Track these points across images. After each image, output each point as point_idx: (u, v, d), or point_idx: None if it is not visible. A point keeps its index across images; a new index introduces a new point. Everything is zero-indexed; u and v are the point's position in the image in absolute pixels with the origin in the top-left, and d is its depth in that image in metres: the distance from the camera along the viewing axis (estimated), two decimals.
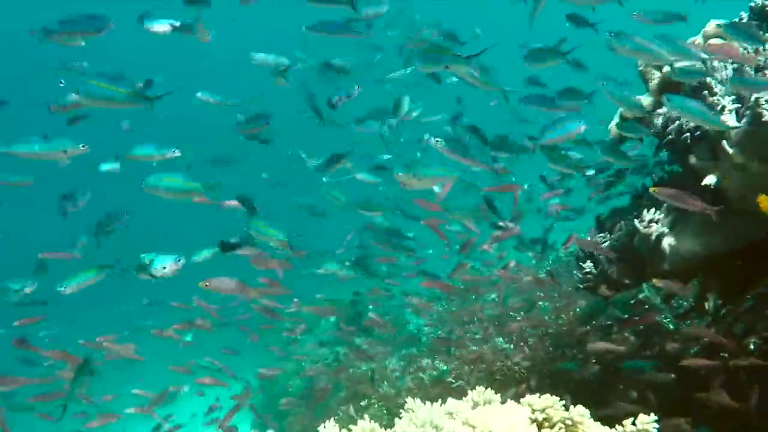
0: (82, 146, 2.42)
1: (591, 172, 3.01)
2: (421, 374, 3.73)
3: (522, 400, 1.56)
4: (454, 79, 3.64)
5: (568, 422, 1.54)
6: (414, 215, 3.50)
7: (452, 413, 1.50)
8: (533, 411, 1.51)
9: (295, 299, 4.00)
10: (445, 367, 3.60)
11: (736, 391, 2.31)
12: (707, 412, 2.34)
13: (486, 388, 1.61)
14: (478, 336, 3.86)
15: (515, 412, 1.48)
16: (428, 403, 1.62)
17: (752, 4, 2.41)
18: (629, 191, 2.80)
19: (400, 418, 1.65)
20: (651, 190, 2.16)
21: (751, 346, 2.59)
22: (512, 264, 3.55)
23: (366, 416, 1.80)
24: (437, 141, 2.39)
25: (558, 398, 1.57)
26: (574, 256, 2.66)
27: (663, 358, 2.58)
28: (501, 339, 3.42)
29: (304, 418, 4.66)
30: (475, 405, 1.54)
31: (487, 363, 3.20)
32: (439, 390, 3.38)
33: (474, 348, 3.48)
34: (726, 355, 2.57)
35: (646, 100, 2.49)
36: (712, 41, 2.29)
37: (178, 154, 2.74)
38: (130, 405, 3.85)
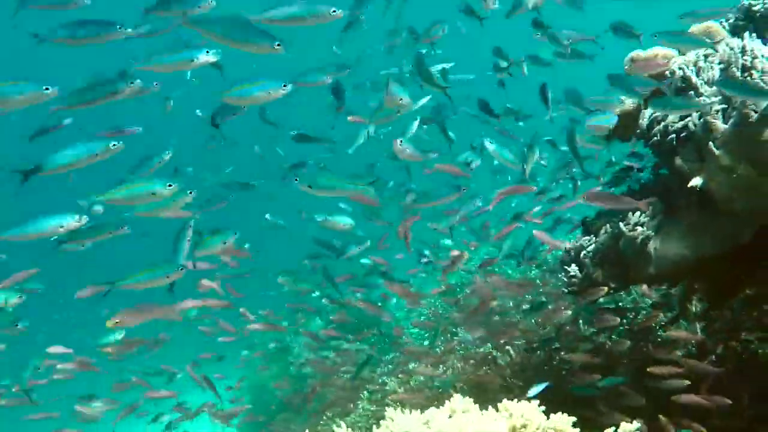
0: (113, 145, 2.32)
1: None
2: (408, 379, 3.67)
3: (500, 405, 1.52)
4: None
5: (550, 431, 1.50)
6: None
7: (428, 422, 1.46)
8: (511, 416, 1.46)
9: (242, 308, 3.94)
10: (430, 372, 3.55)
11: (726, 394, 2.27)
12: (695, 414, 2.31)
13: (464, 396, 1.57)
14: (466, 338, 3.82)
15: (493, 419, 1.44)
16: (407, 411, 1.58)
17: (739, 5, 2.39)
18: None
19: (378, 427, 1.61)
20: (581, 198, 2.25)
21: (739, 348, 2.57)
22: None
23: (343, 424, 1.75)
24: (400, 142, 2.37)
25: (537, 403, 1.53)
26: (560, 260, 2.62)
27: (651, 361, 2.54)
28: (489, 345, 3.37)
29: (290, 425, 4.61)
30: (453, 413, 1.50)
31: (473, 369, 3.15)
32: (425, 396, 3.33)
33: (461, 352, 3.43)
34: (714, 357, 2.55)
35: (630, 101, 2.46)
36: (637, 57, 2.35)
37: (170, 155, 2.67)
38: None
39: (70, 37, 2.33)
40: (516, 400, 1.51)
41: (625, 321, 2.86)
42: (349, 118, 3.01)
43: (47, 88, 2.18)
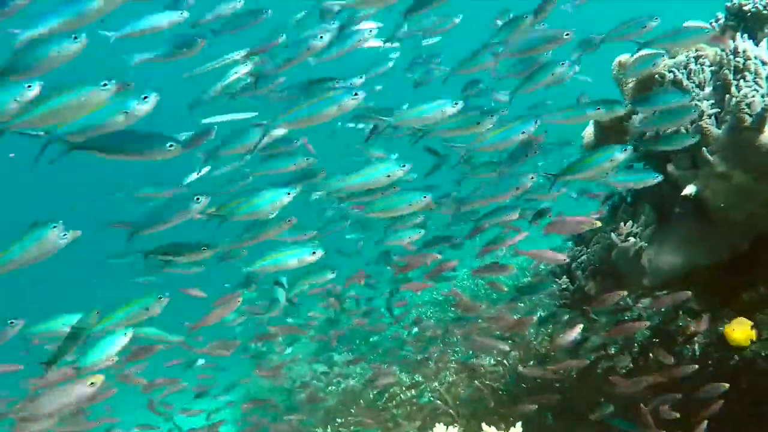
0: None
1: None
2: (399, 393, 3.59)
3: None
4: None
5: None
6: None
7: None
8: None
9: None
10: (423, 385, 3.46)
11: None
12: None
13: (447, 427, 1.48)
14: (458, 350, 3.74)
15: None
16: None
17: (728, 5, 2.31)
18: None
19: None
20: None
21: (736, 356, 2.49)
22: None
23: None
24: None
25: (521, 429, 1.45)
26: (551, 272, 2.53)
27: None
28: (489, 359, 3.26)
29: None
30: None
31: (465, 381, 3.06)
32: (417, 411, 3.25)
33: (453, 366, 3.34)
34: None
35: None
36: None
37: None
38: None
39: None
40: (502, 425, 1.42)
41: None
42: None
43: None
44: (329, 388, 4.56)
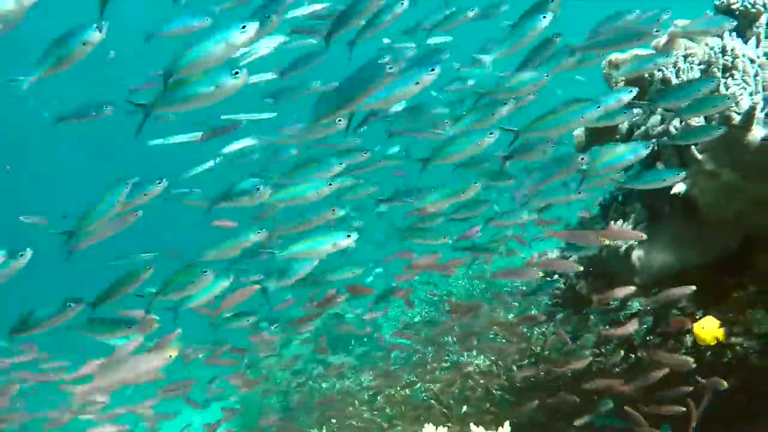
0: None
1: None
2: (393, 392, 3.59)
3: None
4: None
5: None
6: None
7: None
8: None
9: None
10: (418, 385, 3.46)
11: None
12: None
13: (437, 427, 1.48)
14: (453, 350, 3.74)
15: None
16: None
17: (717, 3, 2.32)
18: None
19: None
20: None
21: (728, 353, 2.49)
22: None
23: None
24: None
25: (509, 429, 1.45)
26: (544, 273, 2.53)
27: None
28: (483, 358, 3.26)
29: None
30: None
31: (459, 384, 3.06)
32: (411, 411, 3.25)
33: (446, 365, 3.34)
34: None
35: None
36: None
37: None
38: None
39: None
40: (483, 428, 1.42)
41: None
42: None
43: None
44: (323, 387, 4.57)
